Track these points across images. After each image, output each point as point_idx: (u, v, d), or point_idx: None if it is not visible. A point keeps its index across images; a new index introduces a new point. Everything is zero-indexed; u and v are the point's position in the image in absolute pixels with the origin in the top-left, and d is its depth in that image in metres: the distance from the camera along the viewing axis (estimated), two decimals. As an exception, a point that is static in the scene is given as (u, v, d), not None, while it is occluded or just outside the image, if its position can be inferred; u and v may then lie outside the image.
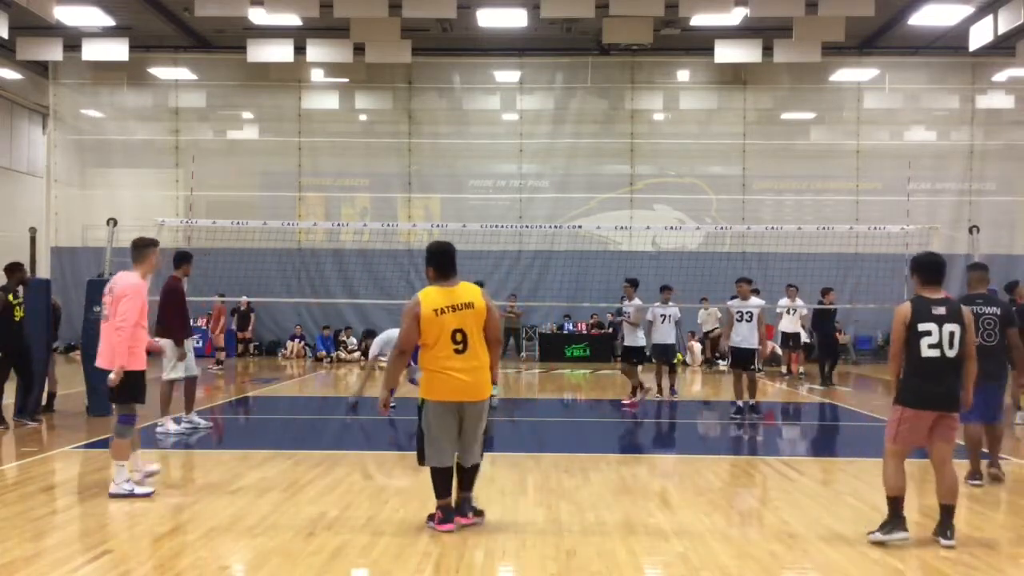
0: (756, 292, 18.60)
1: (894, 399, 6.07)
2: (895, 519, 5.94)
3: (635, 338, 13.30)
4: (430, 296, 6.12)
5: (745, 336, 12.31)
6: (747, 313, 12.35)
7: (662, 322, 14.17)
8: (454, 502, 6.30)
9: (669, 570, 5.46)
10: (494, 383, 6.43)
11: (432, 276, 6.24)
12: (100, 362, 7.14)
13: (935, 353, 5.88)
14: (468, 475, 6.38)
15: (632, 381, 13.27)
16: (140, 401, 7.23)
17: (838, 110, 23.89)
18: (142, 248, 7.38)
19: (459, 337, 6.07)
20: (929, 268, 6.13)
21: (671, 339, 14.30)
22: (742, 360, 12.40)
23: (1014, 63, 21.26)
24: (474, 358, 6.11)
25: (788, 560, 5.66)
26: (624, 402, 13.19)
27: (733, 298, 13.25)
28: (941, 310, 5.93)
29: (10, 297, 10.76)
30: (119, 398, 7.09)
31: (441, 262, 6.22)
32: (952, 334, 5.90)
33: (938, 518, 6.04)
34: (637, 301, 13.34)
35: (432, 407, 6.16)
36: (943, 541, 5.93)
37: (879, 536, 5.94)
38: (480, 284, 6.72)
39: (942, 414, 5.95)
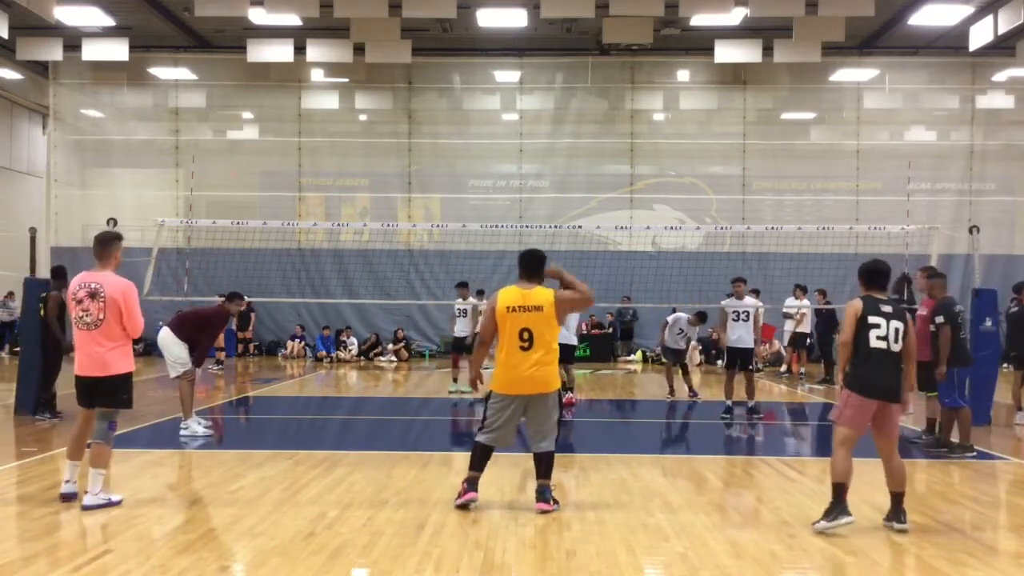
0: (756, 292, 18.67)
1: (843, 383, 6.43)
2: (839, 505, 6.19)
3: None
4: (507, 294, 6.78)
5: (742, 336, 12.30)
6: (743, 312, 12.33)
7: (676, 332, 14.20)
8: (535, 490, 6.81)
9: (669, 570, 5.46)
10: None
11: (519, 276, 6.88)
12: (90, 370, 6.74)
13: (882, 345, 6.29)
14: (542, 462, 6.81)
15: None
16: (130, 405, 7.05)
17: (838, 110, 23.87)
18: (108, 243, 6.90)
19: (525, 336, 6.63)
20: (873, 274, 6.58)
21: (680, 345, 14.33)
22: (740, 359, 12.39)
23: (1014, 63, 21.25)
24: (538, 355, 6.64)
25: (788, 560, 5.66)
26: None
27: (729, 296, 13.23)
28: (888, 308, 6.40)
29: (62, 296, 10.99)
30: (120, 402, 6.90)
31: (522, 264, 6.88)
32: (897, 330, 6.34)
33: (890, 506, 6.33)
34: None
35: (495, 396, 6.83)
36: (896, 526, 6.24)
37: (824, 524, 6.17)
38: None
39: (884, 404, 6.28)
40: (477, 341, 7.24)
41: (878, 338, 6.29)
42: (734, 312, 12.39)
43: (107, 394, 6.82)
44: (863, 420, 6.30)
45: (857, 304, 6.43)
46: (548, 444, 6.79)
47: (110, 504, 6.70)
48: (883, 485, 6.41)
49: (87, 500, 6.67)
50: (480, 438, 6.86)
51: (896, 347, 6.31)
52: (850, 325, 6.39)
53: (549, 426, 6.79)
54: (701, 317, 14.20)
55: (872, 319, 6.32)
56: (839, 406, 6.41)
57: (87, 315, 6.71)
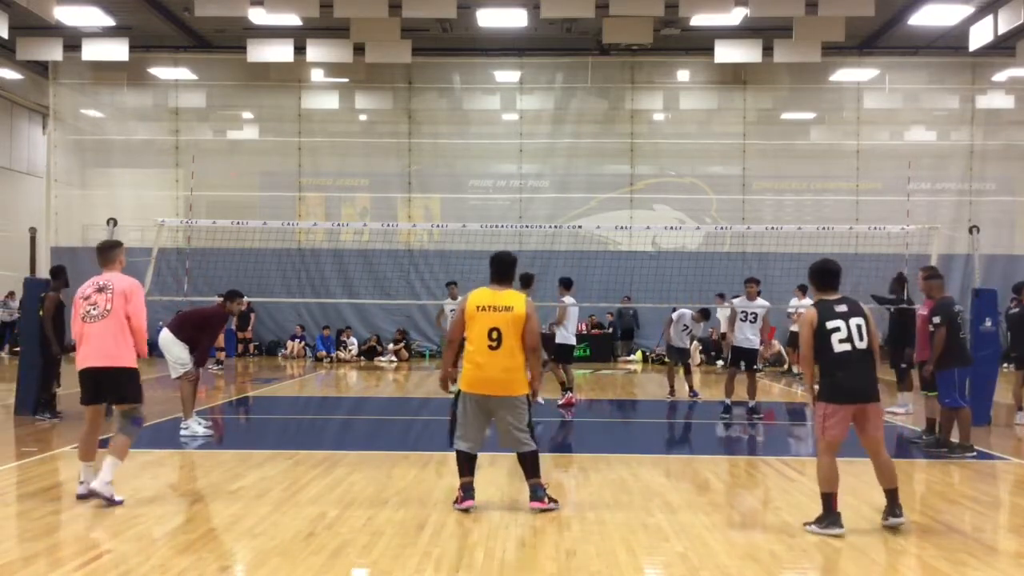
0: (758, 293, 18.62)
1: (815, 397, 6.31)
2: (830, 515, 6.15)
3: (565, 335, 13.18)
4: (477, 294, 6.83)
5: (749, 336, 12.31)
6: (752, 313, 12.33)
7: (683, 331, 14.24)
8: (528, 489, 6.80)
9: (669, 570, 5.46)
10: (534, 392, 6.94)
11: (491, 279, 6.95)
12: (96, 360, 6.82)
13: (847, 347, 6.19)
14: (525, 462, 6.82)
15: (559, 377, 13.17)
16: (142, 399, 7.12)
17: (838, 110, 23.89)
18: (109, 250, 7.19)
19: (494, 335, 6.64)
20: (822, 275, 6.55)
21: (685, 343, 14.38)
22: (744, 360, 12.39)
23: (1014, 63, 21.25)
24: (507, 357, 6.64)
25: (788, 560, 5.65)
26: (560, 402, 12.98)
27: (735, 297, 13.25)
28: (843, 307, 6.32)
29: (60, 297, 11.21)
30: (136, 397, 6.97)
31: (493, 268, 6.97)
32: (859, 326, 6.24)
33: (885, 504, 6.28)
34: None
35: (463, 397, 6.80)
36: (892, 520, 6.20)
37: (815, 528, 6.17)
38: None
39: (863, 406, 6.19)
40: (445, 342, 7.30)
41: (841, 341, 6.16)
42: (743, 312, 12.39)
43: (119, 390, 6.91)
44: (843, 427, 6.22)
45: (811, 314, 6.29)
46: (528, 444, 6.77)
47: (111, 502, 6.70)
48: (873, 485, 6.42)
49: (95, 484, 6.72)
50: (459, 445, 6.83)
51: (862, 344, 6.19)
52: (807, 339, 6.26)
53: (523, 426, 6.76)
54: (704, 314, 14.31)
55: (830, 324, 6.20)
56: (817, 422, 6.29)
57: (94, 308, 6.85)
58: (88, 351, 6.86)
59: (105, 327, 6.82)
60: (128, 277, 7.08)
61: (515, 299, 6.77)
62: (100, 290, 6.90)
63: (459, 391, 6.86)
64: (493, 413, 6.75)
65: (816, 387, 6.34)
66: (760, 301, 12.60)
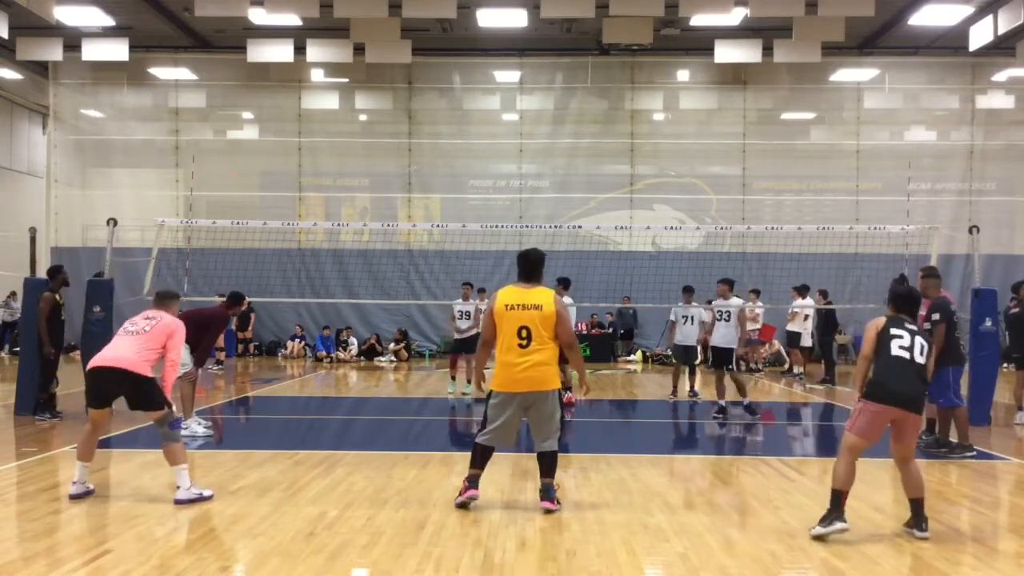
0: (757, 293, 18.58)
1: (860, 396, 6.29)
2: (835, 511, 6.09)
3: None
4: (505, 293, 6.82)
5: (724, 335, 12.36)
6: (726, 312, 12.40)
7: (684, 323, 14.21)
8: (539, 488, 6.87)
9: (669, 570, 5.46)
10: (587, 387, 7.01)
11: (518, 277, 6.95)
12: (114, 362, 6.88)
13: (904, 354, 6.18)
14: (543, 461, 6.83)
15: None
16: (170, 405, 7.16)
17: (838, 110, 23.87)
18: (170, 299, 7.69)
19: (524, 333, 6.66)
20: (904, 299, 6.52)
21: (693, 341, 14.34)
22: (722, 360, 12.44)
23: (1014, 63, 21.25)
24: (537, 353, 6.65)
25: (788, 560, 5.66)
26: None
27: (709, 302, 13.30)
28: (912, 326, 6.35)
29: (57, 297, 11.34)
30: (164, 403, 6.97)
31: (521, 265, 6.93)
32: (923, 345, 6.25)
33: (910, 513, 6.20)
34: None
35: (494, 395, 6.82)
36: (918, 533, 6.11)
37: (819, 530, 6.07)
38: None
39: (903, 414, 6.11)
40: (479, 343, 7.29)
41: (900, 347, 6.19)
42: (718, 312, 12.52)
43: (141, 400, 6.96)
44: (875, 430, 6.15)
45: (879, 320, 6.38)
46: (551, 443, 6.81)
47: (202, 499, 6.85)
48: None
49: (179, 495, 6.81)
50: (480, 440, 6.86)
51: (920, 359, 6.19)
52: (869, 341, 6.34)
53: (552, 425, 6.79)
54: (688, 291, 14.23)
55: (894, 331, 6.26)
56: (851, 417, 6.30)
57: (132, 325, 7.17)
58: (108, 352, 7.01)
59: (132, 340, 7.03)
60: (178, 320, 7.42)
61: (544, 297, 6.75)
62: (148, 318, 7.24)
63: (491, 391, 6.88)
64: (527, 409, 6.77)
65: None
66: (734, 300, 12.70)
